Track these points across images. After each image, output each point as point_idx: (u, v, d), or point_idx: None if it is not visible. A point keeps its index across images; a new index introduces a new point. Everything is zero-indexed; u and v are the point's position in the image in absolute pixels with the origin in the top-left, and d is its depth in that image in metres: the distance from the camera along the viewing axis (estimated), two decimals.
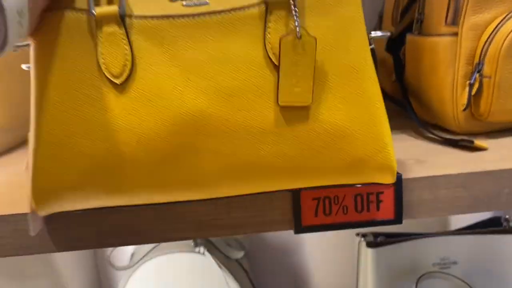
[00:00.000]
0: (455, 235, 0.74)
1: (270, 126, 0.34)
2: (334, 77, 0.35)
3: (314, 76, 0.34)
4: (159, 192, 0.36)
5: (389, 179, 0.37)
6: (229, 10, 0.34)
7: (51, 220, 0.39)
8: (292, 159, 0.35)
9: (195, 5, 0.34)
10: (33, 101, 0.34)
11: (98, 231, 0.40)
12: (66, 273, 0.85)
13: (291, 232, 0.41)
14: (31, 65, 0.35)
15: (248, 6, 0.34)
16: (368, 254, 0.74)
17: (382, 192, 0.40)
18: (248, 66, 0.34)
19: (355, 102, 0.35)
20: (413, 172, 0.41)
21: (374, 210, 0.41)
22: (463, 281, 0.74)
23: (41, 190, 0.34)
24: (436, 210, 0.41)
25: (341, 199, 0.41)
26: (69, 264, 0.86)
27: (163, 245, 0.75)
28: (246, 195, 0.39)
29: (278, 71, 0.34)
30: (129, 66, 0.34)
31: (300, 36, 0.33)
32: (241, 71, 0.34)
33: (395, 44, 0.61)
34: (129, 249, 0.84)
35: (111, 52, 0.34)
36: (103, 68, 0.34)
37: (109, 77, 0.34)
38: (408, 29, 0.57)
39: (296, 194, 0.40)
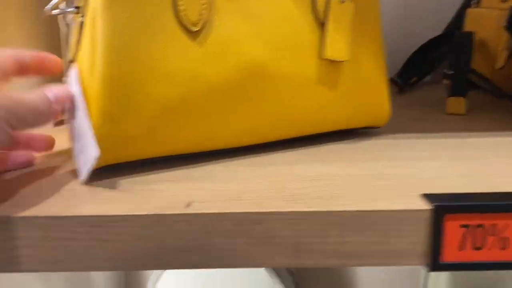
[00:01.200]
0: None
1: (313, 76, 0.40)
2: (361, 36, 0.42)
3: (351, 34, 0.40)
4: (222, 138, 0.38)
5: (383, 122, 0.46)
6: None
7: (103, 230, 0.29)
8: (328, 105, 0.41)
9: None
10: (101, 43, 0.32)
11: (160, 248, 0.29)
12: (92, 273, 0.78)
13: None
14: (98, 4, 0.32)
15: None
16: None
17: None
18: (298, 22, 0.39)
19: (375, 59, 0.43)
20: None
21: None
22: None
23: (107, 138, 0.33)
24: None
25: (501, 229, 0.29)
26: None
27: None
28: (364, 211, 0.30)
29: (324, 28, 0.39)
30: (205, 15, 0.35)
31: (344, 1, 0.40)
32: (292, 26, 0.38)
33: None
34: None
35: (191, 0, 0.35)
36: (181, 14, 0.34)
37: (186, 24, 0.34)
38: None
39: (437, 217, 0.29)
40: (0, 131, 0.29)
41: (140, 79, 0.33)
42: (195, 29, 0.34)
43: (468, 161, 0.37)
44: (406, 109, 0.57)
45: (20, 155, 0.37)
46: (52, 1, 0.34)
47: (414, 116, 0.53)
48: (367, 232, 0.30)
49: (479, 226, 0.29)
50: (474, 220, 0.29)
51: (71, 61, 0.36)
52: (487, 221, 0.29)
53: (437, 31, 0.70)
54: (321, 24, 0.39)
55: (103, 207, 0.30)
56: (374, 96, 0.44)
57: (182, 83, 0.34)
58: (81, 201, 0.31)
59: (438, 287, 0.66)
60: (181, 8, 0.34)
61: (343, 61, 0.40)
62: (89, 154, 0.33)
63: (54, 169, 0.37)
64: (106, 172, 0.35)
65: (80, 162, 0.34)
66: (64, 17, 0.39)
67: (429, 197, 0.30)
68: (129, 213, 0.29)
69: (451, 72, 0.60)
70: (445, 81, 0.67)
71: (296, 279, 0.82)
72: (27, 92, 0.32)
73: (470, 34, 0.58)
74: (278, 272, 0.77)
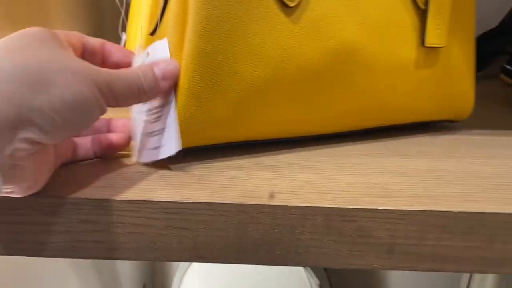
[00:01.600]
0: None
1: (408, 63, 0.37)
2: (455, 22, 0.39)
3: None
4: (306, 124, 0.36)
5: (466, 115, 0.43)
6: None
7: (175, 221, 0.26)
8: (417, 96, 0.39)
9: None
10: (194, 15, 0.30)
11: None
12: None
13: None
14: None
15: None
16: None
17: None
18: (396, 5, 0.36)
19: (466, 47, 0.41)
20: None
21: None
22: None
23: (191, 119, 0.31)
24: None
25: None
26: None
27: None
28: (469, 213, 0.27)
29: (425, 13, 0.37)
30: None
31: None
32: (390, 9, 0.36)
33: None
34: None
35: None
36: None
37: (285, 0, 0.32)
38: None
39: None
40: (94, 105, 0.26)
41: (231, 55, 0.30)
42: (292, 4, 0.31)
43: None
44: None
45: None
46: None
47: (482, 113, 0.50)
48: (469, 236, 0.27)
49: None
50: None
51: (152, 33, 0.34)
52: None
53: (492, 23, 0.66)
54: (419, 8, 0.37)
55: (181, 192, 0.28)
56: (461, 86, 0.41)
57: (272, 62, 0.32)
58: (156, 185, 0.29)
59: None
60: None
61: (439, 48, 0.38)
62: (167, 143, 0.30)
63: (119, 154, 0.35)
64: (180, 155, 0.33)
65: (147, 143, 0.32)
66: None
67: None
68: (210, 201, 0.27)
69: None
70: (503, 77, 0.64)
71: (329, 276, 0.80)
72: (132, 68, 0.29)
73: None
74: (313, 269, 0.74)
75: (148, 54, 0.32)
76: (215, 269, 0.73)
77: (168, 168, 0.31)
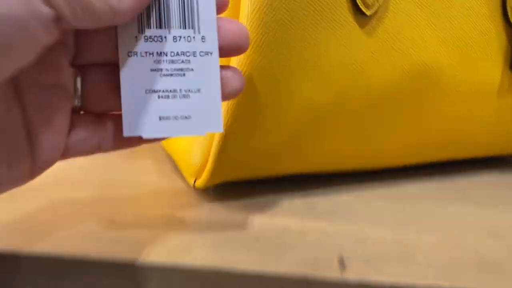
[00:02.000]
0: None
1: (491, 89, 0.31)
2: None
3: None
4: (369, 154, 0.30)
5: None
6: None
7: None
8: (498, 127, 0.33)
9: None
10: (245, 16, 0.23)
11: None
12: None
13: None
14: None
15: None
16: None
17: None
18: (485, 22, 0.30)
19: None
20: None
21: None
22: None
23: (232, 149, 0.25)
24: None
25: None
26: None
27: None
28: None
29: None
30: None
31: None
32: (477, 25, 0.29)
33: None
34: None
35: None
36: None
37: (360, 4, 0.25)
38: None
39: None
40: (31, 19, 0.16)
41: (289, 71, 0.24)
42: (369, 12, 0.25)
43: None
44: None
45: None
46: None
47: None
48: None
49: None
50: None
51: None
52: None
53: None
54: (510, 26, 0.30)
55: (220, 255, 0.21)
56: None
57: (338, 81, 0.25)
58: (188, 242, 0.22)
59: None
60: None
61: None
62: (202, 114, 0.20)
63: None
64: (213, 190, 0.26)
65: (153, 107, 0.20)
66: None
67: None
68: (261, 271, 0.20)
69: None
70: None
71: None
72: None
73: None
74: None
75: None
76: None
77: (202, 213, 0.24)
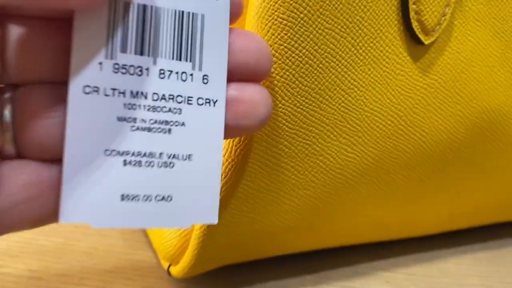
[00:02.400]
0: None
1: None
2: None
3: None
4: (401, 225, 0.23)
5: None
6: None
7: None
8: None
9: None
10: None
11: None
12: None
13: None
14: None
15: None
16: None
17: None
18: None
19: None
20: None
21: None
22: None
23: (236, 230, 0.17)
24: None
25: None
26: None
27: None
28: None
29: None
30: (448, 19, 0.18)
31: None
32: None
33: None
34: None
35: None
36: (411, 15, 0.17)
37: (417, 29, 0.17)
38: None
39: None
40: None
41: (314, 126, 0.17)
42: (428, 41, 0.18)
43: None
44: None
45: None
46: None
47: None
48: None
49: None
50: None
51: None
52: None
53: None
54: None
55: None
56: None
57: (381, 138, 0.18)
58: None
59: None
60: (413, 7, 0.17)
61: None
62: (184, 198, 0.13)
63: None
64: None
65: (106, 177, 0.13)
66: None
67: None
68: None
69: None
70: None
71: None
72: None
73: None
74: None
75: None
76: None
77: None
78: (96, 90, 0.12)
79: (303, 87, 0.16)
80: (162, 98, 0.13)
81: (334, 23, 0.16)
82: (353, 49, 0.16)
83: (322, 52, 0.16)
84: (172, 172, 0.13)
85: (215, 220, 0.13)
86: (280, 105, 0.15)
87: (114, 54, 0.12)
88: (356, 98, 0.17)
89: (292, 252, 0.21)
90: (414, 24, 0.17)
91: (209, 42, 0.13)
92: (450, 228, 0.25)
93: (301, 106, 0.16)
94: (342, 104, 0.17)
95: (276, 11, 0.15)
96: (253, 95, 0.13)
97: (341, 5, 0.16)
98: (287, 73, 0.15)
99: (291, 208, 0.18)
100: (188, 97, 0.13)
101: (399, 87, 0.18)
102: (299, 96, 0.16)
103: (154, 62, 0.13)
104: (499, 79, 0.20)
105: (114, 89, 0.12)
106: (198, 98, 0.13)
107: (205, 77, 0.13)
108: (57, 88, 0.12)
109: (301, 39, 0.15)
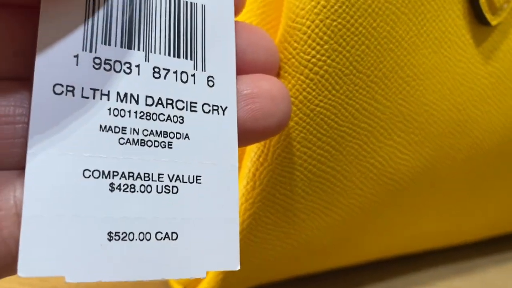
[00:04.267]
0: None
1: None
2: None
3: None
4: (456, 227, 0.20)
5: None
6: None
7: None
8: None
9: None
10: None
11: None
12: None
13: None
14: None
15: None
16: None
17: None
18: None
19: None
20: None
21: None
22: None
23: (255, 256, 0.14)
24: None
25: None
26: None
27: None
28: None
29: None
30: None
31: None
32: None
33: None
34: None
35: None
36: None
37: (484, 9, 0.15)
38: None
39: None
40: None
41: (354, 129, 0.14)
42: (495, 21, 0.15)
43: None
44: None
45: None
46: None
47: None
48: None
49: None
50: None
51: None
52: None
53: None
54: None
55: None
56: None
57: (439, 136, 0.16)
58: None
59: None
60: None
61: None
62: (191, 234, 0.10)
63: None
64: None
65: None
66: None
67: None
68: None
69: None
70: None
71: None
72: None
73: None
74: None
75: None
76: None
77: None
78: (70, 90, 0.09)
79: (357, 73, 0.13)
80: (158, 103, 0.10)
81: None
82: (414, 28, 0.14)
83: (381, 31, 0.13)
84: (176, 199, 0.10)
85: (235, 266, 0.10)
86: (330, 95, 0.13)
87: (94, 46, 0.09)
88: (415, 88, 0.14)
89: (329, 268, 0.18)
90: (482, 1, 0.14)
91: (212, 37, 0.10)
92: (495, 233, 0.23)
93: (353, 98, 0.13)
94: (400, 95, 0.14)
95: None
96: (271, 89, 0.11)
97: None
98: (340, 56, 0.12)
99: (333, 221, 0.15)
100: (191, 102, 0.10)
101: (460, 75, 0.15)
102: (352, 85, 0.13)
103: (147, 59, 0.10)
104: None
105: (94, 90, 0.09)
106: (204, 104, 0.10)
107: (210, 78, 0.10)
108: (24, 87, 0.09)
109: (358, 13, 0.12)
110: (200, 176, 0.10)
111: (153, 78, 0.10)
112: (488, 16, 0.15)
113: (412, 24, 0.13)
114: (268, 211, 0.13)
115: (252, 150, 0.13)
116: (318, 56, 0.12)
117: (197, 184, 0.10)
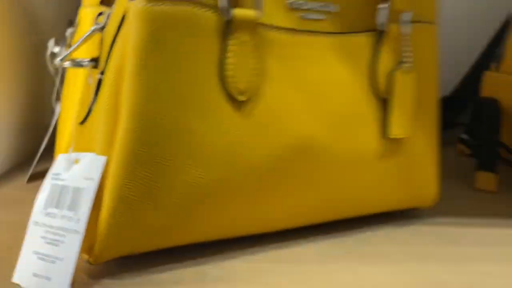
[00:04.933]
0: None
1: (370, 156, 0.35)
2: (419, 112, 0.37)
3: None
4: (256, 223, 0.33)
5: (431, 204, 0.41)
6: (344, 33, 0.34)
7: None
8: (381, 187, 0.36)
9: (313, 19, 0.33)
10: (128, 110, 0.26)
11: None
12: None
13: None
14: (129, 63, 0.26)
15: (361, 31, 0.35)
16: None
17: None
18: (357, 97, 0.34)
19: (429, 135, 0.39)
20: None
21: None
22: None
23: (121, 227, 0.27)
24: None
25: None
26: None
27: None
28: None
29: (387, 104, 0.35)
30: (255, 82, 0.30)
31: (410, 71, 0.35)
32: (350, 102, 0.34)
33: None
34: None
35: (242, 64, 0.29)
36: (229, 80, 0.29)
37: (232, 92, 0.29)
38: None
39: None
40: None
41: (170, 158, 0.27)
42: (242, 98, 0.29)
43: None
44: None
45: None
46: (61, 53, 0.29)
47: (451, 193, 0.47)
48: None
49: None
50: None
51: (81, 122, 0.30)
52: None
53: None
54: (381, 98, 0.35)
55: None
56: (425, 175, 0.39)
57: (219, 162, 0.29)
58: None
59: None
60: (229, 73, 0.28)
61: (401, 139, 0.36)
62: (56, 279, 0.25)
63: None
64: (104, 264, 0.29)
65: (31, 263, 0.26)
66: (52, 60, 0.33)
67: None
68: None
69: (476, 143, 0.56)
70: (460, 146, 0.63)
71: None
72: None
73: (496, 103, 0.54)
74: None
75: (76, 161, 0.28)
76: None
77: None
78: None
79: (168, 131, 0.27)
80: None
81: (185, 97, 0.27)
82: (192, 106, 0.27)
83: (169, 106, 0.27)
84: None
85: None
86: (149, 141, 0.26)
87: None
88: (200, 139, 0.28)
89: (178, 244, 0.30)
90: (229, 86, 0.28)
91: None
92: (301, 222, 0.35)
93: (167, 142, 0.27)
94: (186, 142, 0.28)
95: None
96: None
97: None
98: (157, 119, 0.26)
99: (166, 209, 0.27)
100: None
101: (228, 128, 0.29)
102: (166, 138, 0.27)
103: None
104: (304, 118, 0.32)
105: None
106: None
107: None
108: None
109: None
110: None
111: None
112: (236, 96, 0.28)
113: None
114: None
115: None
116: None
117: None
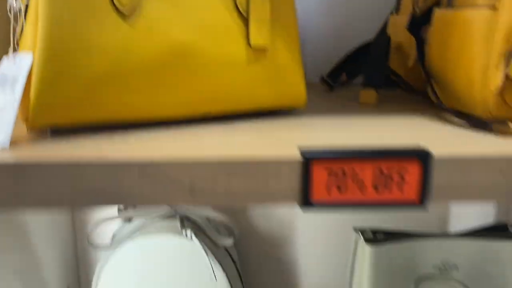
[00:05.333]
0: (457, 239, 0.70)
1: (240, 60, 0.45)
2: (278, 28, 0.49)
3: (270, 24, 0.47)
4: (153, 109, 0.43)
5: (302, 104, 0.52)
6: None
7: (24, 173, 0.34)
8: (254, 87, 0.47)
9: None
10: (42, 18, 0.38)
11: (73, 188, 0.35)
12: (41, 248, 0.79)
13: (283, 222, 0.36)
14: None
15: None
16: (365, 251, 0.69)
17: (406, 171, 0.35)
18: (221, 11, 0.45)
19: (290, 48, 0.50)
20: (443, 154, 0.36)
21: (396, 191, 0.36)
22: (464, 286, 0.69)
23: (47, 101, 0.38)
24: (466, 195, 0.36)
25: (358, 173, 0.36)
26: (44, 239, 0.79)
27: (148, 227, 0.69)
28: (249, 163, 0.36)
29: (247, 18, 0.46)
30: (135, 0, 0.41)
31: None
32: (216, 14, 0.44)
33: (418, 23, 0.56)
34: (111, 228, 0.78)
35: None
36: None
37: (117, 5, 0.40)
38: (436, 5, 0.53)
39: (306, 164, 0.35)
40: None
41: (77, 50, 0.38)
42: (126, 13, 0.39)
43: (349, 131, 0.45)
44: (327, 102, 0.63)
45: None
46: None
47: (330, 106, 0.59)
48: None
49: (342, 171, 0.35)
50: (337, 165, 0.35)
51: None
52: (348, 168, 0.35)
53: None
54: (242, 15, 0.45)
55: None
56: (291, 79, 0.49)
57: (113, 57, 0.39)
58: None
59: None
60: None
61: (265, 48, 0.46)
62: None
63: None
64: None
65: None
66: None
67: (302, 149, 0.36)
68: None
69: (367, 67, 0.68)
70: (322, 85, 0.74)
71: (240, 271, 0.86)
72: None
73: (387, 37, 0.66)
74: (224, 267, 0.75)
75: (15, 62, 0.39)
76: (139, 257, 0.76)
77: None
78: None
79: (72, 31, 0.39)
80: None
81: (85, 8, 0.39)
82: (90, 14, 0.39)
83: (74, 13, 0.39)
84: None
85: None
86: (59, 38, 0.38)
87: None
88: (96, 39, 0.39)
89: (97, 121, 0.40)
90: (115, 2, 0.40)
91: None
92: (190, 113, 0.44)
93: (72, 39, 0.39)
94: (86, 39, 0.39)
95: None
96: None
97: None
98: (63, 22, 0.38)
99: (79, 87, 0.39)
100: None
101: (118, 33, 0.39)
102: (71, 36, 0.39)
103: None
104: (178, 26, 0.42)
105: None
106: None
107: None
108: None
109: None
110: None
111: None
112: (120, 8, 0.40)
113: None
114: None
115: None
116: None
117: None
